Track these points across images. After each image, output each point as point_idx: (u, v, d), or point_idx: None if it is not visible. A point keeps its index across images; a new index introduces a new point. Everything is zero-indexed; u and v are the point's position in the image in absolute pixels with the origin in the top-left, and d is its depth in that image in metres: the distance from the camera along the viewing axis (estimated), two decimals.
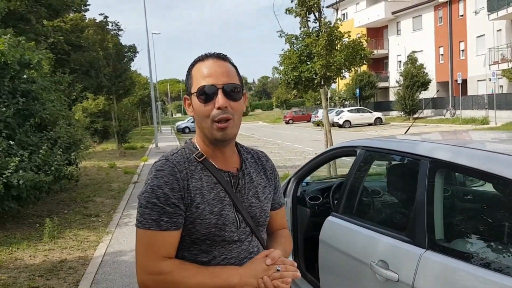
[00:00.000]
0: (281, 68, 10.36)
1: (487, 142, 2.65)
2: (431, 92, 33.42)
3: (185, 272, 1.34)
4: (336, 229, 2.76)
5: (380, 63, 44.07)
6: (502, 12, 27.81)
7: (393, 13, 40.53)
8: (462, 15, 34.13)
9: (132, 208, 8.46)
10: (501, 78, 27.96)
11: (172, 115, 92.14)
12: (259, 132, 34.04)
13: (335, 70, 9.62)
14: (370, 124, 33.79)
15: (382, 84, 42.00)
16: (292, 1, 9.63)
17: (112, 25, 20.34)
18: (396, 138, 2.87)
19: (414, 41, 38.25)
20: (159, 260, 1.35)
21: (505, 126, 23.58)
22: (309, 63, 9.81)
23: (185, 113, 73.62)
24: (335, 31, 9.53)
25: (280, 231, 1.70)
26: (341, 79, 11.13)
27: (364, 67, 37.19)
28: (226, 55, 1.49)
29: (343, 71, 9.98)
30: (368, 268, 2.30)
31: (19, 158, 6.77)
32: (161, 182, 1.36)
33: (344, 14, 46.77)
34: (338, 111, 35.49)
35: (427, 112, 36.44)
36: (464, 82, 31.91)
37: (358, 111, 34.89)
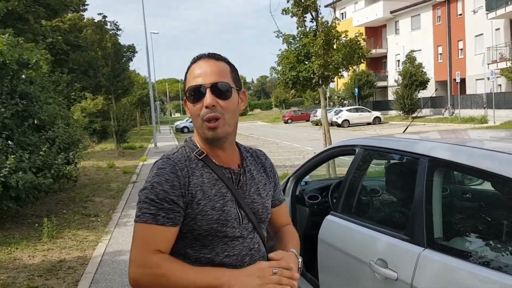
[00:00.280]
0: (279, 68, 10.37)
1: (486, 141, 2.66)
2: (429, 91, 33.46)
3: (173, 265, 1.34)
4: (335, 228, 2.77)
5: (379, 63, 44.09)
6: (500, 11, 27.85)
7: (391, 12, 40.55)
8: (460, 14, 34.16)
9: (131, 208, 8.46)
10: (500, 77, 27.99)
11: (171, 115, 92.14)
12: (258, 132, 34.05)
13: (333, 69, 9.63)
14: (369, 124, 33.82)
15: (380, 84, 42.02)
16: (288, 1, 9.64)
17: (110, 25, 20.34)
18: (394, 137, 2.87)
19: (412, 40, 38.28)
20: (151, 253, 1.34)
21: (504, 125, 23.62)
22: (307, 62, 9.82)
23: (184, 113, 73.64)
24: (332, 30, 9.54)
25: (285, 227, 1.72)
26: (339, 78, 11.14)
27: (362, 67, 37.29)
28: (220, 55, 1.50)
29: (341, 70, 9.99)
30: (367, 267, 2.31)
31: (14, 156, 6.75)
32: (161, 179, 1.37)
33: (342, 13, 46.81)
34: (337, 110, 35.49)
35: (425, 111, 36.48)
36: (463, 81, 31.95)
37: (357, 110, 34.91)
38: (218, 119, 1.41)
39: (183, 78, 1.57)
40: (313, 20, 9.75)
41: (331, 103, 43.01)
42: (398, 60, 39.61)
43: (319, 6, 9.62)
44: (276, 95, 57.39)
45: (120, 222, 7.57)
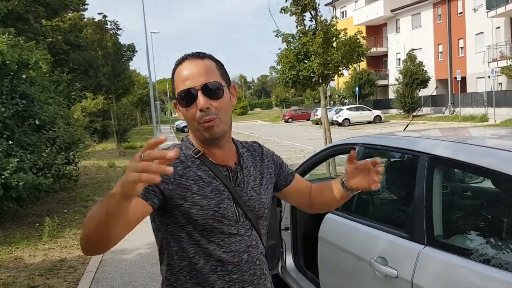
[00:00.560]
0: (279, 67, 10.36)
1: (486, 138, 2.65)
2: (430, 89, 33.42)
3: (90, 212, 1.20)
4: (335, 226, 2.77)
5: (379, 61, 44.06)
6: (500, 10, 27.82)
7: (392, 11, 40.52)
8: (461, 13, 34.12)
9: None
10: (500, 75, 27.98)
11: (171, 114, 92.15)
12: (258, 131, 34.04)
13: (332, 68, 9.62)
14: (369, 122, 33.79)
15: (381, 82, 41.99)
16: (286, 0, 9.62)
17: (111, 25, 20.35)
18: (394, 135, 2.87)
19: (413, 39, 38.25)
20: None
21: (504, 123, 23.59)
22: (306, 61, 9.81)
23: None
24: (331, 28, 9.53)
25: (313, 187, 1.74)
26: (340, 76, 11.13)
27: (363, 65, 37.27)
28: (204, 53, 1.47)
29: (341, 68, 9.98)
30: (367, 264, 2.30)
31: (18, 159, 6.76)
32: None
33: (343, 12, 46.77)
34: (337, 109, 35.47)
35: (426, 110, 36.45)
36: (463, 79, 31.93)
37: (357, 109, 34.88)
38: (214, 119, 1.40)
39: None
40: (312, 19, 9.74)
41: (332, 102, 42.99)
42: (399, 59, 39.59)
43: (318, 4, 9.61)
44: (277, 94, 57.37)
45: None
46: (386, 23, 42.88)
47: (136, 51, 21.38)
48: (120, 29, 20.73)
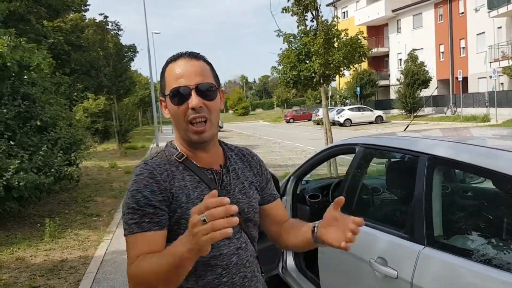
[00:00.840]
0: (280, 67, 10.37)
1: (486, 139, 2.65)
2: (431, 90, 33.39)
3: (144, 262, 1.26)
4: None
5: (381, 61, 44.03)
6: (502, 10, 27.79)
7: (393, 11, 40.50)
8: (462, 13, 34.09)
9: None
10: (502, 75, 27.95)
11: None
12: (260, 132, 34.04)
13: (334, 68, 9.62)
14: (371, 123, 33.77)
15: (382, 82, 41.97)
16: (288, 0, 9.62)
17: (112, 25, 20.35)
18: (394, 135, 2.87)
19: (414, 39, 38.22)
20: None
21: (506, 124, 23.55)
22: (307, 62, 9.81)
23: None
24: (333, 29, 9.53)
25: (288, 220, 1.65)
26: (341, 77, 11.14)
27: (364, 65, 37.24)
28: (198, 53, 1.46)
29: (342, 69, 9.98)
30: (367, 265, 2.31)
31: (19, 160, 6.78)
32: (140, 186, 1.34)
33: (344, 12, 46.76)
34: (339, 109, 35.44)
35: (428, 110, 36.41)
36: (465, 79, 31.89)
37: (359, 109, 34.86)
38: (205, 121, 1.38)
39: None
40: (314, 19, 9.74)
41: (333, 102, 42.98)
42: (400, 59, 39.57)
43: (319, 5, 9.60)
44: (278, 94, 57.38)
45: (122, 222, 7.58)
46: (387, 23, 42.86)
47: (137, 52, 21.39)
48: (121, 29, 20.72)
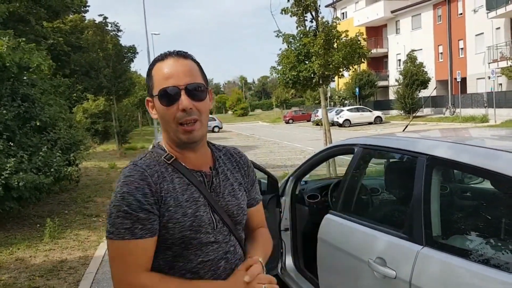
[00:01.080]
0: (279, 68, 10.37)
1: (484, 139, 2.66)
2: (430, 90, 33.41)
3: (166, 286, 1.27)
4: (334, 227, 2.78)
5: (380, 62, 44.06)
6: (501, 10, 27.82)
7: (392, 12, 40.53)
8: (461, 14, 34.13)
9: None
10: (500, 76, 27.97)
11: None
12: (259, 132, 34.05)
13: (333, 69, 9.63)
14: (370, 123, 33.80)
15: (381, 83, 41.99)
16: (288, 1, 9.63)
17: (111, 26, 20.35)
18: (393, 135, 2.88)
19: (413, 40, 38.25)
20: (139, 272, 1.28)
21: (505, 124, 23.59)
22: (307, 62, 9.81)
23: None
24: (333, 30, 9.54)
25: (259, 230, 1.63)
26: (340, 78, 11.15)
27: (363, 66, 37.29)
28: (187, 52, 1.42)
29: (342, 70, 9.99)
30: (366, 265, 2.31)
31: (15, 159, 6.77)
32: (131, 188, 1.28)
33: (343, 13, 46.80)
34: (338, 110, 35.48)
35: (427, 111, 36.44)
36: (464, 80, 31.92)
37: (358, 110, 34.90)
38: (196, 122, 1.35)
39: None
40: (313, 20, 9.74)
41: (332, 103, 42.99)
42: (399, 60, 39.59)
43: (319, 5, 9.61)
44: (277, 95, 57.39)
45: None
46: (386, 24, 42.89)
47: (137, 53, 21.39)
48: (121, 30, 20.71)
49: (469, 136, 2.99)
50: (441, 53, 36.74)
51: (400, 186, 2.71)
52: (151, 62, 1.43)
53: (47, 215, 7.81)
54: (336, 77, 10.62)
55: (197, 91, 1.36)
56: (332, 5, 46.79)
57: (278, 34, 10.08)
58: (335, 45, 9.73)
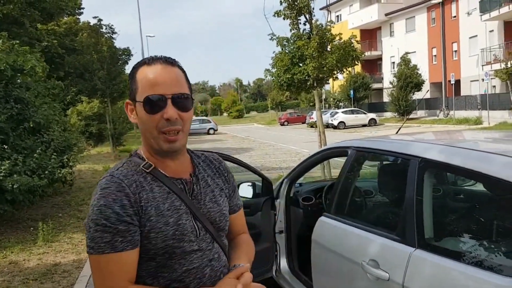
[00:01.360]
0: (274, 70, 10.39)
1: (477, 142, 2.68)
2: (424, 93, 33.59)
3: None
4: (328, 229, 2.79)
5: (374, 65, 44.25)
6: (494, 13, 28.03)
7: (386, 14, 40.72)
8: (454, 16, 34.34)
9: None
10: (494, 78, 28.15)
11: None
12: (254, 134, 34.05)
13: (327, 71, 9.66)
14: (364, 125, 33.91)
15: (376, 85, 42.18)
16: (281, 4, 9.63)
17: (106, 28, 20.32)
18: (386, 138, 2.90)
19: (407, 42, 38.44)
20: (123, 285, 1.25)
21: (498, 126, 23.72)
22: (301, 65, 9.84)
23: None
24: (327, 33, 9.58)
25: (241, 236, 1.62)
26: (334, 80, 11.19)
27: (358, 69, 37.42)
28: (174, 59, 1.39)
29: (336, 72, 10.02)
30: (359, 267, 2.32)
31: (9, 161, 6.74)
32: (109, 200, 1.25)
33: (338, 16, 46.99)
34: (332, 112, 35.61)
35: (420, 113, 36.61)
36: (457, 82, 32.11)
37: (352, 112, 35.03)
38: (179, 132, 1.33)
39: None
40: (307, 23, 9.77)
41: (327, 105, 43.12)
42: (393, 62, 39.77)
43: (313, 8, 9.64)
44: (272, 97, 57.45)
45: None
46: (380, 27, 43.08)
47: (132, 55, 21.38)
48: (115, 32, 20.68)
49: (462, 138, 3.01)
50: (435, 55, 36.95)
51: (393, 188, 2.72)
52: (136, 63, 1.38)
53: (40, 218, 7.77)
54: (330, 80, 10.65)
55: (183, 101, 1.33)
56: (326, 8, 46.94)
57: (272, 37, 10.10)
58: (329, 48, 9.76)
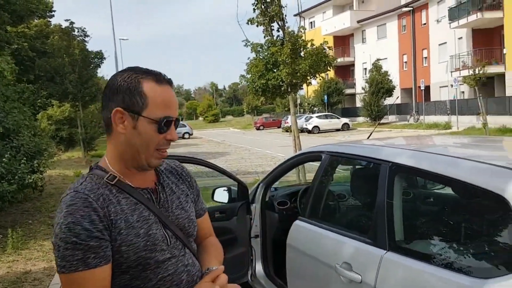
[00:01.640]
0: (248, 76, 10.43)
1: (445, 147, 2.77)
2: (395, 98, 34.28)
3: None
4: (303, 233, 2.82)
5: (347, 70, 44.90)
6: (462, 21, 28.81)
7: (358, 21, 41.41)
8: (424, 24, 35.20)
9: None
10: (462, 84, 28.90)
11: None
12: (230, 139, 34.01)
13: (300, 77, 9.75)
14: (338, 130, 34.35)
15: (349, 91, 42.78)
16: (254, 11, 9.69)
17: (78, 31, 20.00)
18: (359, 143, 2.96)
19: (379, 49, 39.14)
20: None
21: (467, 131, 24.40)
22: (275, 71, 9.91)
23: None
24: (299, 39, 9.68)
25: (209, 239, 1.64)
26: (308, 85, 11.31)
27: (331, 74, 37.90)
28: (170, 79, 1.42)
29: (309, 78, 10.13)
30: (333, 270, 2.36)
31: None
32: (77, 217, 1.22)
33: (311, 22, 47.52)
34: (307, 117, 35.93)
35: (392, 118, 37.30)
36: (427, 88, 32.86)
37: (326, 117, 35.48)
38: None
39: None
40: (280, 29, 9.86)
41: (302, 110, 43.45)
42: (365, 68, 40.41)
43: (285, 15, 9.72)
44: (248, 102, 57.52)
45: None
46: (353, 34, 43.76)
47: (105, 58, 21.09)
48: (88, 35, 20.39)
49: (431, 143, 3.10)
50: (406, 62, 37.74)
51: (365, 192, 2.78)
52: (139, 74, 1.35)
53: (10, 225, 7.56)
54: (304, 85, 10.75)
55: (177, 123, 1.39)
56: (300, 15, 47.37)
57: (246, 44, 10.14)
58: (302, 53, 9.86)
